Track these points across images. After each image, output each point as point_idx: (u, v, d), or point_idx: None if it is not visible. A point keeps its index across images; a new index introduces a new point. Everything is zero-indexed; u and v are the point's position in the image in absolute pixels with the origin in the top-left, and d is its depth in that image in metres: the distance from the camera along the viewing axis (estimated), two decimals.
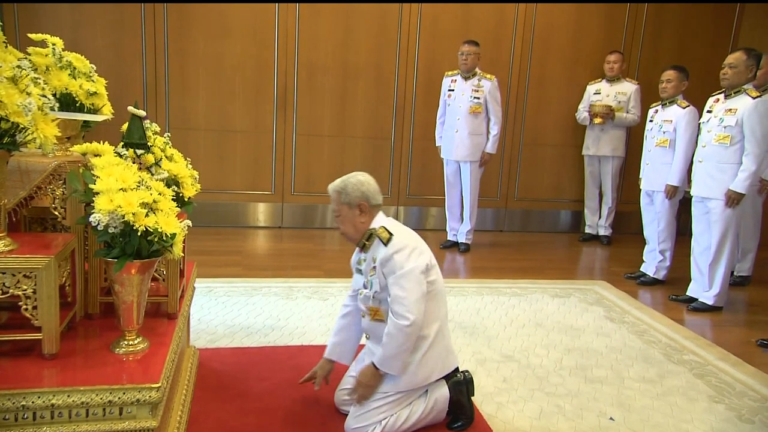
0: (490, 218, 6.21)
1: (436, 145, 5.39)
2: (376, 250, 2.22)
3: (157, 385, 1.58)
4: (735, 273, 4.75)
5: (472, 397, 2.42)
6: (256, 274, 4.26)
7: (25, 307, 1.60)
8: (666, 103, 4.51)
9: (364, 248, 2.29)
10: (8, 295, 1.58)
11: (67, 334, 1.81)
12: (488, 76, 5.10)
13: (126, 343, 1.75)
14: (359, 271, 2.34)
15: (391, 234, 2.21)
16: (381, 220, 2.29)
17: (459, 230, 5.39)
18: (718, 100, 4.03)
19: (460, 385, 2.36)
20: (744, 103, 3.82)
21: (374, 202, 2.29)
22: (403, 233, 2.24)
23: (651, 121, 4.67)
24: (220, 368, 2.75)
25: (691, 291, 4.22)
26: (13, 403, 1.49)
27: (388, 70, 5.76)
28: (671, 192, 4.42)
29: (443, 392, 2.33)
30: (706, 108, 4.11)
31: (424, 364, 2.24)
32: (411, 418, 2.26)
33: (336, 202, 2.32)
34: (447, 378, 2.38)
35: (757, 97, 3.82)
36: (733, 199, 3.86)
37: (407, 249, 2.17)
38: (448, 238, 5.45)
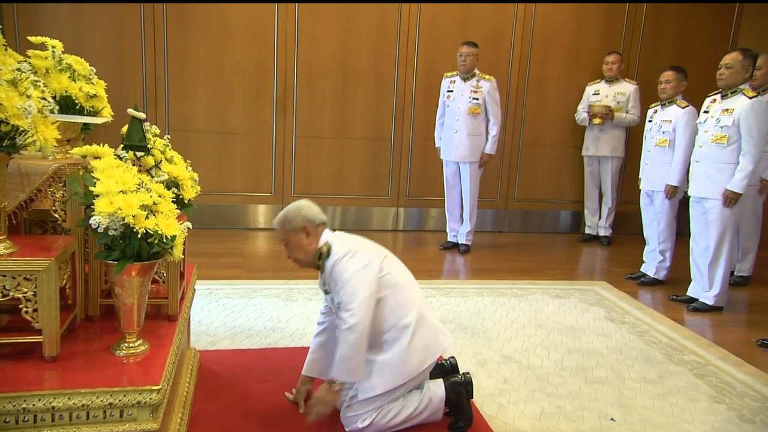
0: (490, 219, 6.21)
1: (436, 146, 5.39)
2: (326, 266, 2.25)
3: (157, 387, 1.58)
4: (735, 273, 4.75)
5: (472, 399, 2.42)
6: (256, 276, 4.26)
7: (25, 309, 1.60)
8: (665, 104, 4.52)
9: (320, 269, 2.30)
10: (9, 297, 1.58)
11: (68, 336, 1.81)
12: (487, 77, 5.10)
13: (126, 345, 1.75)
14: (326, 292, 2.37)
15: (330, 245, 2.24)
16: (325, 237, 2.31)
17: (459, 231, 5.39)
18: (714, 100, 4.04)
19: (459, 386, 2.36)
20: (741, 103, 3.83)
21: (318, 222, 2.31)
22: (342, 241, 2.27)
23: (650, 121, 4.67)
24: (221, 370, 2.75)
25: (692, 291, 4.22)
26: (14, 405, 1.49)
27: (388, 72, 5.76)
28: (671, 192, 4.43)
29: (439, 393, 2.33)
30: (703, 108, 4.12)
31: (414, 351, 2.23)
32: (402, 413, 2.26)
33: (281, 232, 2.33)
34: (446, 378, 2.38)
35: (754, 97, 3.82)
36: (731, 199, 3.87)
37: (346, 255, 2.19)
38: (448, 239, 5.46)
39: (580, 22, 5.98)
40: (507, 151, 6.11)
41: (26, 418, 1.51)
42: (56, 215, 1.87)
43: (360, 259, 2.19)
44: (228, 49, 5.44)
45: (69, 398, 1.52)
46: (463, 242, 5.34)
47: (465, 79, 5.11)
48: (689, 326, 3.77)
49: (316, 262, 2.29)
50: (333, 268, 2.19)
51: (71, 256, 1.80)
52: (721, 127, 3.89)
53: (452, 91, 5.17)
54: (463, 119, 5.09)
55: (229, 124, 5.58)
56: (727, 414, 2.68)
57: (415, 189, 6.03)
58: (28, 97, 1.48)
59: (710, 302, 4.06)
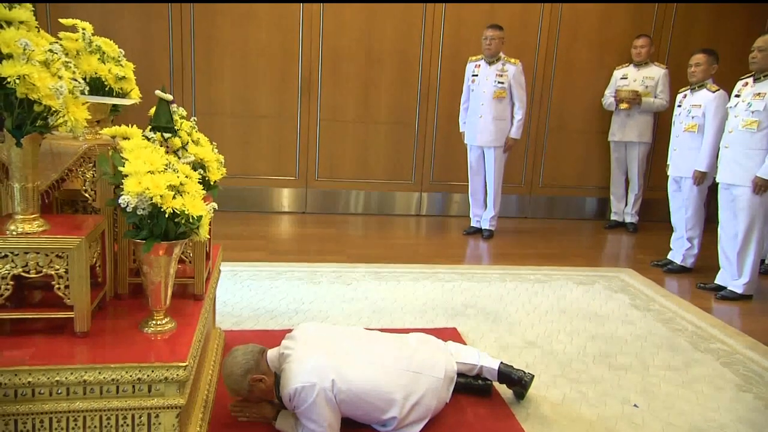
0: (514, 205, 6.16)
1: (460, 130, 5.35)
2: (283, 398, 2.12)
3: (184, 364, 1.62)
4: (766, 261, 4.65)
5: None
6: (280, 258, 4.31)
7: (57, 286, 1.64)
8: (695, 88, 4.42)
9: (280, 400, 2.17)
10: (42, 274, 1.63)
11: (98, 313, 1.86)
12: (512, 60, 5.04)
13: (154, 322, 1.79)
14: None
15: (277, 376, 2.14)
16: (276, 359, 2.17)
17: (482, 217, 5.36)
18: (746, 84, 3.94)
19: (479, 387, 2.48)
20: None
21: (255, 362, 2.13)
22: (293, 369, 2.07)
23: (679, 106, 4.58)
24: None
25: (720, 279, 4.15)
26: (48, 378, 1.54)
27: (413, 56, 5.72)
28: (699, 178, 4.34)
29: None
30: (735, 92, 4.02)
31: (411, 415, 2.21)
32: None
33: (246, 395, 2.17)
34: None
35: None
36: (760, 186, 3.78)
37: (297, 392, 2.03)
38: (472, 225, 5.44)
39: (609, 4, 5.85)
40: (532, 135, 6.04)
41: (59, 391, 1.56)
42: (86, 195, 1.91)
43: (313, 391, 2.02)
44: (253, 32, 5.46)
45: (100, 372, 1.57)
46: (487, 228, 5.32)
47: (490, 63, 5.05)
48: (717, 314, 3.72)
49: (277, 395, 2.15)
50: (292, 399, 2.05)
51: (101, 235, 1.84)
52: (752, 112, 3.80)
53: (477, 75, 5.12)
54: (488, 103, 5.04)
55: (254, 108, 5.61)
56: (754, 403, 2.64)
57: (438, 174, 6.01)
58: (60, 77, 1.51)
59: (739, 290, 3.99)
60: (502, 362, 2.52)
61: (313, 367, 2.07)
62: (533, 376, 2.51)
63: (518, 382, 2.48)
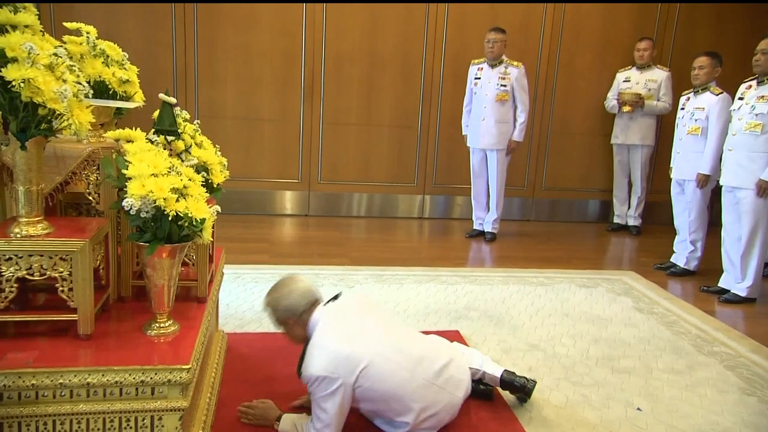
0: (516, 208, 6.15)
1: (463, 133, 5.35)
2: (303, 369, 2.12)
3: (187, 367, 1.62)
4: None
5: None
6: (283, 261, 4.31)
7: (61, 288, 1.65)
8: (698, 91, 4.41)
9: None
10: (46, 276, 1.64)
11: (101, 315, 1.86)
12: (515, 63, 5.04)
13: (157, 325, 1.79)
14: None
15: (307, 339, 2.13)
16: (314, 325, 2.14)
17: (485, 219, 5.36)
18: (750, 86, 3.94)
19: (481, 392, 2.46)
20: None
21: (301, 310, 2.15)
22: (321, 353, 2.03)
23: (682, 108, 4.57)
24: (248, 352, 2.80)
25: (723, 282, 4.14)
26: (52, 380, 1.54)
27: (415, 59, 5.73)
28: (703, 181, 4.33)
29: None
30: (738, 95, 4.02)
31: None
32: None
33: (273, 321, 2.25)
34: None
35: None
36: (764, 189, 3.77)
37: (318, 380, 2.00)
38: (474, 228, 5.44)
39: (612, 7, 5.85)
40: (535, 138, 6.03)
41: (63, 393, 1.57)
42: (90, 198, 1.92)
43: (332, 384, 1.99)
44: (256, 36, 5.47)
45: (103, 375, 1.57)
46: (489, 230, 5.31)
47: (493, 66, 5.05)
48: (720, 317, 3.71)
49: (299, 366, 2.12)
50: (309, 385, 2.03)
51: (104, 237, 1.85)
52: (756, 115, 3.80)
53: (480, 78, 5.12)
54: (491, 106, 5.04)
55: (256, 111, 5.62)
56: (758, 406, 2.63)
57: (441, 176, 6.01)
58: (64, 81, 1.52)
59: (742, 293, 3.99)
60: (505, 370, 2.51)
61: (343, 359, 2.02)
62: (536, 382, 2.50)
63: (521, 388, 2.46)
